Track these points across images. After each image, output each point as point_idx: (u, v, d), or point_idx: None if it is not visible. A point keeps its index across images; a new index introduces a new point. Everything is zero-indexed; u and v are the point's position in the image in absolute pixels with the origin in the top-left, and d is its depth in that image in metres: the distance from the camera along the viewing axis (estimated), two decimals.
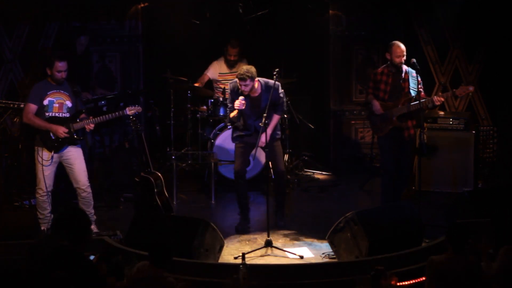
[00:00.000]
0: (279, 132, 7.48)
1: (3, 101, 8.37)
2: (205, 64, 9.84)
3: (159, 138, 10.20)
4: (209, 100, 9.27)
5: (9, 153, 8.40)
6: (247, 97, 7.22)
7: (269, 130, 7.19)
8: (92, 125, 7.22)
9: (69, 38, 9.35)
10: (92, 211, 7.32)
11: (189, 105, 9.39)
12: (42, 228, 7.02)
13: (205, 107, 9.35)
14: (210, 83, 9.78)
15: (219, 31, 10.10)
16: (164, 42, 10.29)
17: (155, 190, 7.43)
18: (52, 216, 7.19)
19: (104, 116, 7.33)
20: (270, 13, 10.07)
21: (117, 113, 7.37)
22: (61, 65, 7.10)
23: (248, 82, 7.10)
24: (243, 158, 7.43)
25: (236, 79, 7.22)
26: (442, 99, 7.43)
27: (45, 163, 7.11)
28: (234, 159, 7.49)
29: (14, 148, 8.47)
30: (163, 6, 9.90)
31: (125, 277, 5.45)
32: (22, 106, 8.24)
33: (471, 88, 7.42)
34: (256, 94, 7.30)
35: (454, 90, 7.47)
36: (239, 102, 7.18)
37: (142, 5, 10.03)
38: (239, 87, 7.19)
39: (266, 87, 7.29)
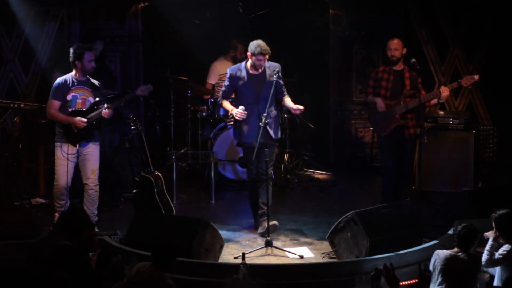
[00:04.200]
0: (279, 133, 7.42)
1: (3, 101, 8.39)
2: (205, 64, 9.84)
3: (159, 138, 10.20)
4: (209, 100, 9.27)
5: (9, 153, 8.41)
6: (250, 75, 7.11)
7: (293, 105, 7.17)
8: (108, 111, 7.23)
9: (87, 40, 9.34)
10: (96, 211, 7.35)
11: (189, 105, 9.39)
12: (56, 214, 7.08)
13: (205, 107, 9.36)
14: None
15: (219, 31, 10.10)
16: (164, 42, 10.29)
17: (155, 190, 7.43)
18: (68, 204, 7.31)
19: (117, 101, 7.35)
20: (270, 12, 10.08)
21: (128, 95, 7.39)
22: (91, 55, 7.22)
23: (267, 56, 7.04)
24: (256, 160, 7.22)
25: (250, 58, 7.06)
26: (448, 89, 7.37)
27: (70, 158, 7.18)
28: (248, 163, 7.32)
29: (14, 148, 8.48)
30: (163, 6, 9.91)
31: (125, 277, 5.45)
32: (22, 106, 8.27)
33: (476, 77, 7.37)
34: (261, 70, 7.15)
35: (459, 80, 7.43)
36: (241, 113, 7.07)
37: (142, 5, 10.03)
38: (258, 62, 7.00)
39: (268, 64, 7.17)
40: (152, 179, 7.45)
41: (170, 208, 7.57)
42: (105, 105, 7.24)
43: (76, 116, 7.20)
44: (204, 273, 5.96)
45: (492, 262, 5.48)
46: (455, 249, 5.43)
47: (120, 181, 8.95)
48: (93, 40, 8.80)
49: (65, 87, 7.22)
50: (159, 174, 7.61)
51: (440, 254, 5.39)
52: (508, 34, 9.45)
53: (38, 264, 5.32)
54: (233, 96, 7.49)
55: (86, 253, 5.32)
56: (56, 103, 7.22)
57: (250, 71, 7.11)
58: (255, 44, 6.99)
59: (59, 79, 7.31)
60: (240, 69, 7.16)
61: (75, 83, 7.25)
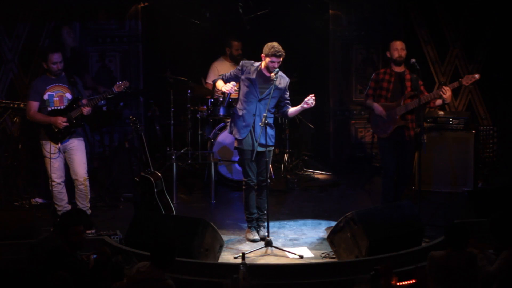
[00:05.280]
0: (273, 140, 7.19)
1: (3, 101, 8.40)
2: (205, 64, 9.83)
3: (159, 138, 10.20)
4: (209, 100, 9.27)
5: (9, 153, 8.40)
6: (260, 73, 7.02)
7: (300, 105, 7.04)
8: (88, 108, 7.29)
9: (54, 34, 9.35)
10: (88, 204, 7.43)
11: (189, 105, 9.39)
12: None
13: (205, 107, 9.35)
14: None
15: (219, 31, 10.10)
16: (164, 42, 10.28)
17: (155, 190, 7.43)
18: (70, 207, 7.33)
19: (95, 98, 7.42)
20: (270, 12, 10.07)
21: (106, 93, 7.45)
22: (55, 57, 7.22)
23: (281, 59, 6.92)
24: (252, 166, 7.11)
25: (268, 57, 6.88)
26: (450, 89, 7.36)
27: (53, 156, 7.25)
28: (243, 168, 7.19)
29: (14, 148, 8.47)
30: (163, 6, 9.90)
31: (125, 277, 5.46)
32: (22, 106, 8.27)
33: (476, 76, 7.36)
34: (273, 75, 6.97)
35: (460, 79, 7.43)
36: (231, 87, 7.00)
37: (142, 5, 10.02)
38: (271, 64, 6.88)
39: (281, 74, 7.06)
40: (152, 179, 7.45)
41: (170, 208, 7.57)
42: (85, 103, 7.30)
43: (55, 115, 7.25)
44: (204, 273, 5.96)
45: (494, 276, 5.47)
46: (448, 249, 5.42)
47: (120, 181, 8.96)
48: (60, 29, 8.84)
49: (40, 88, 7.29)
50: (159, 174, 7.61)
51: (434, 255, 5.39)
52: (508, 34, 9.44)
53: (38, 264, 5.33)
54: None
55: (75, 250, 5.29)
56: (35, 104, 7.29)
57: (262, 71, 7.06)
58: (270, 46, 6.91)
59: (35, 80, 7.40)
60: (253, 65, 7.09)
61: (50, 82, 7.31)
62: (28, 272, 5.56)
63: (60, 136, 7.29)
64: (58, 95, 7.32)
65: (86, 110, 7.29)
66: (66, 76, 7.35)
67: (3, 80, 9.44)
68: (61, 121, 7.21)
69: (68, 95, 7.34)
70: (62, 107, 7.32)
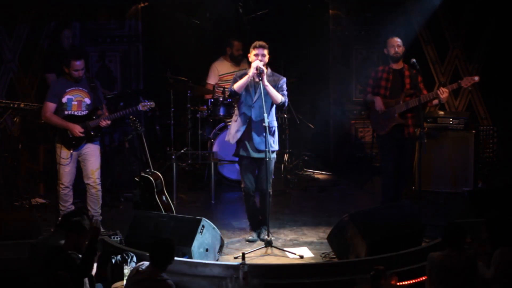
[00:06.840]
0: (274, 146, 7.08)
1: (3, 101, 8.38)
2: (205, 64, 9.83)
3: (159, 138, 10.20)
4: (209, 100, 9.27)
5: (9, 153, 8.40)
6: (252, 83, 7.01)
7: (269, 87, 6.94)
8: (108, 121, 7.26)
9: (55, 33, 9.36)
10: (99, 210, 7.38)
11: (189, 105, 9.39)
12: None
13: (205, 107, 9.35)
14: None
15: (219, 31, 10.10)
16: (164, 42, 10.29)
17: (155, 190, 7.43)
18: (73, 207, 7.32)
19: (117, 113, 7.39)
20: (270, 12, 10.07)
21: (130, 109, 7.39)
22: (78, 64, 7.17)
23: (266, 51, 6.92)
24: (249, 174, 7.12)
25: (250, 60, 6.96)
26: (447, 90, 7.39)
27: (64, 161, 7.20)
28: (240, 175, 7.24)
29: (14, 148, 8.47)
30: (163, 6, 9.91)
31: (125, 277, 5.46)
32: (22, 106, 8.27)
33: (476, 78, 7.39)
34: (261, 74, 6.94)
35: (459, 81, 7.45)
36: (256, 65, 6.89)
37: (142, 5, 10.03)
38: (256, 57, 6.90)
39: (271, 73, 7.06)
40: (152, 179, 7.45)
41: (170, 208, 7.57)
42: (106, 116, 7.25)
43: (73, 121, 7.19)
44: (204, 273, 5.96)
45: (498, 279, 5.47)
46: (447, 250, 5.42)
47: (120, 181, 8.96)
48: (61, 30, 8.84)
49: (59, 90, 7.22)
50: (159, 174, 7.61)
51: (434, 257, 5.38)
52: (508, 34, 9.45)
53: (38, 264, 5.33)
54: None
55: (75, 251, 5.30)
56: (52, 106, 7.22)
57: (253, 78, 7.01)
58: (252, 44, 6.99)
59: (54, 81, 7.31)
60: (245, 73, 7.05)
61: (70, 85, 7.24)
62: (28, 272, 5.56)
63: (75, 143, 7.22)
64: (77, 100, 7.24)
65: (104, 123, 7.24)
66: (86, 80, 7.30)
67: (3, 80, 9.45)
68: (79, 131, 7.16)
69: (87, 100, 7.27)
70: (79, 113, 7.25)
